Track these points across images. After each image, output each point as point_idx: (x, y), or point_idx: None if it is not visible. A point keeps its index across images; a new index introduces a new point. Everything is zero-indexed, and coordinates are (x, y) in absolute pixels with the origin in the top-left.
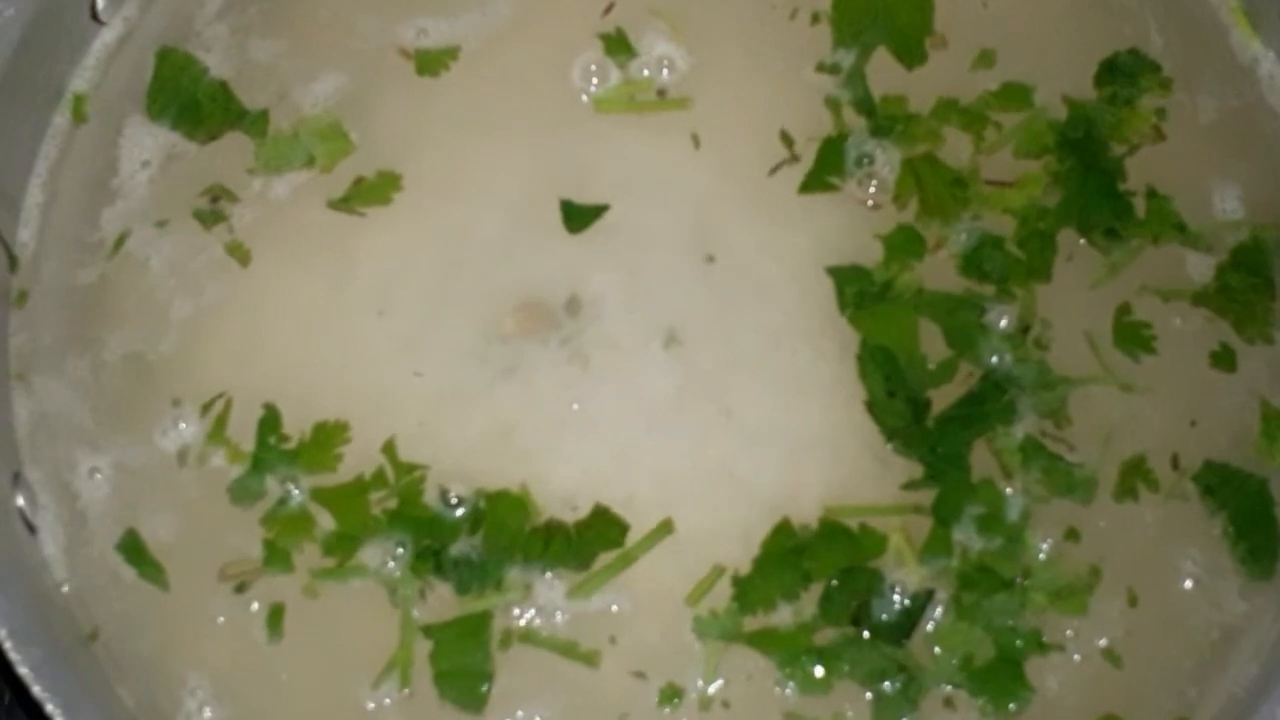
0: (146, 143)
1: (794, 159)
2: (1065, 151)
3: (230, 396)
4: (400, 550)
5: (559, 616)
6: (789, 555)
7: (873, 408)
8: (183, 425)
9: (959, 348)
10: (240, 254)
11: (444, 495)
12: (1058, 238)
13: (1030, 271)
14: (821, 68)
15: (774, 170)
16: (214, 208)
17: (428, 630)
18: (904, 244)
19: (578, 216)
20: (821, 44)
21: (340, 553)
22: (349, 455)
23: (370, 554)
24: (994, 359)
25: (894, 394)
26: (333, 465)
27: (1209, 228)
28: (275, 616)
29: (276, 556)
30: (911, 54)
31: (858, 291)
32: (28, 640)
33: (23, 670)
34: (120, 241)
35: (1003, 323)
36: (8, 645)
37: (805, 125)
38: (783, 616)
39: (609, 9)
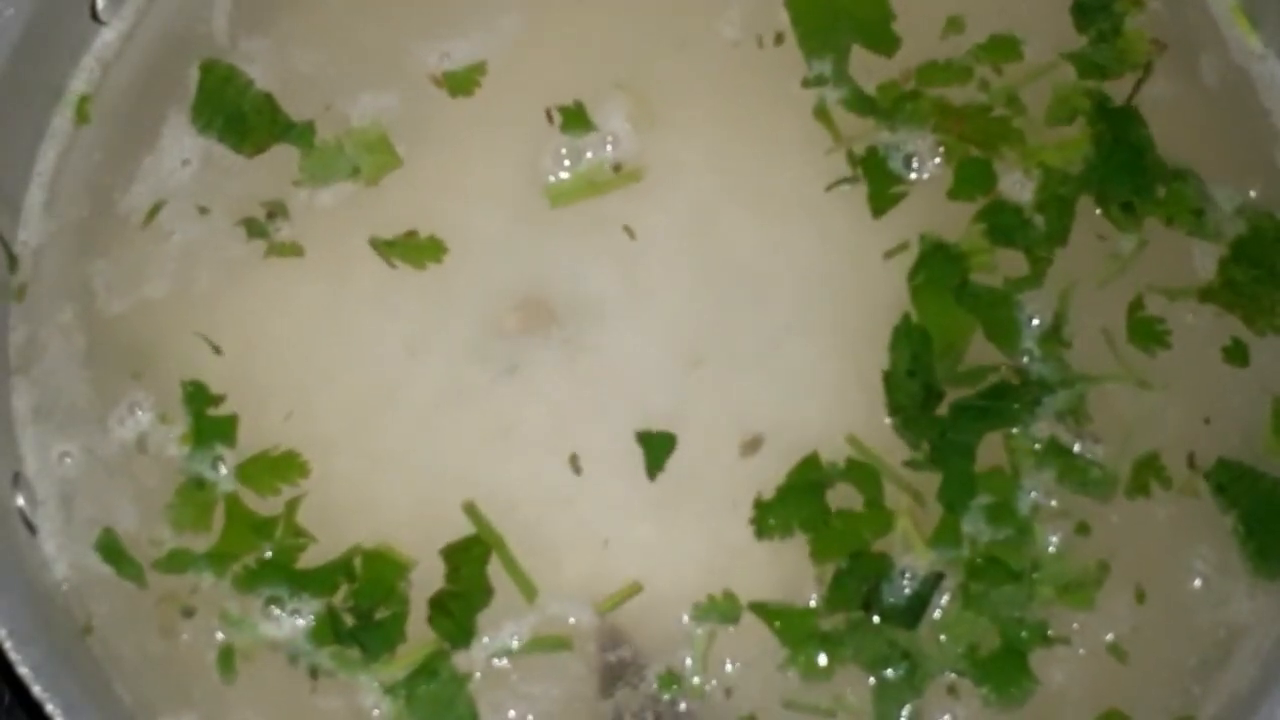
0: (186, 142)
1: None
2: (1097, 116)
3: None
4: (292, 616)
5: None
6: (812, 488)
7: (888, 379)
8: (139, 414)
9: (998, 342)
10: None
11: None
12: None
13: (1049, 237)
14: (807, 82)
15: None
16: (267, 222)
17: (392, 689)
18: (973, 176)
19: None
20: (800, 60)
21: (211, 567)
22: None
23: (272, 626)
24: (1024, 358)
25: (914, 374)
26: (266, 492)
27: (1212, 216)
28: (226, 659)
29: (176, 559)
30: (884, 41)
31: (936, 271)
32: (28, 640)
33: (23, 670)
34: (154, 211)
35: (1034, 321)
36: (8, 645)
37: (808, 139)
38: (790, 597)
39: (550, 116)
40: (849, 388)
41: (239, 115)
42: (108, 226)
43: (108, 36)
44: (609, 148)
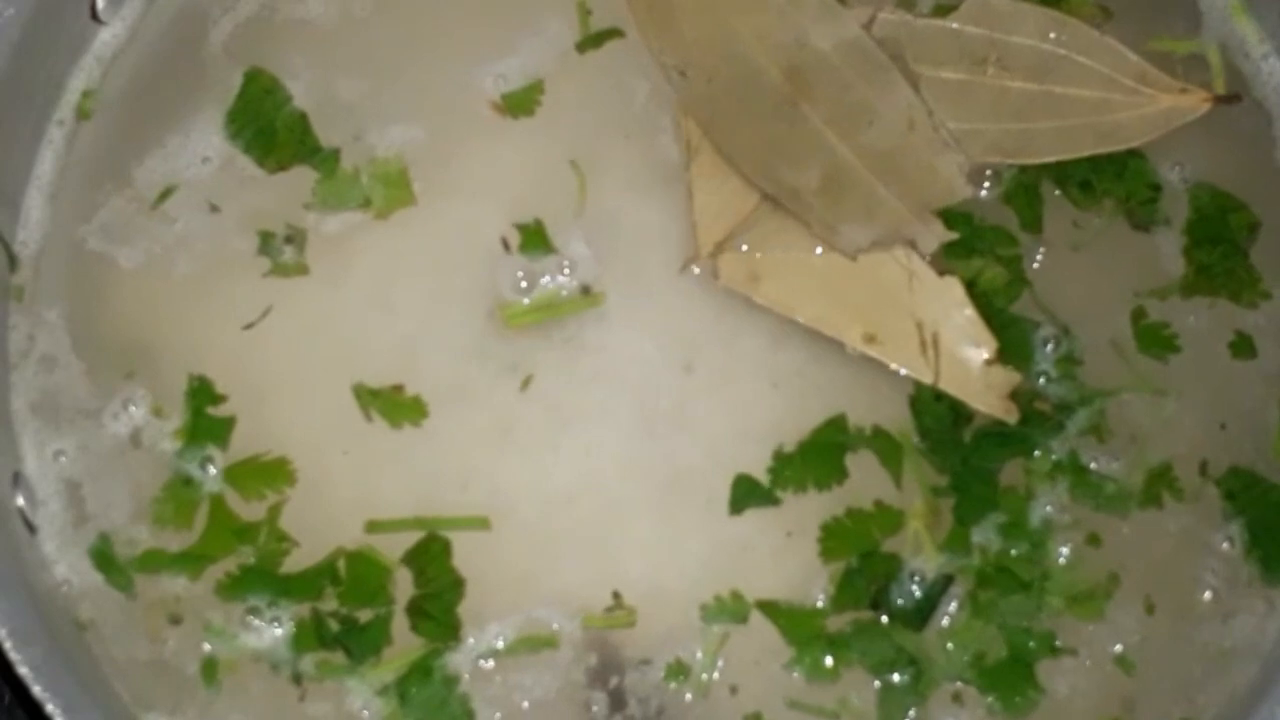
0: (213, 141)
1: None
2: None
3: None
4: (271, 624)
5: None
6: (834, 449)
7: (915, 404)
8: (132, 409)
9: (1014, 363)
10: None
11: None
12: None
13: (1023, 225)
14: None
15: None
16: (283, 244)
17: (383, 691)
18: None
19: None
20: None
21: (187, 569)
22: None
23: (251, 637)
24: (1040, 380)
25: (940, 398)
26: (252, 496)
27: (1166, 197)
28: (209, 669)
29: (150, 559)
30: None
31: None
32: (28, 640)
33: (23, 670)
34: (165, 194)
35: (1049, 347)
36: (8, 645)
37: None
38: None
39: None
40: (850, 387)
41: (270, 130)
42: (109, 222)
43: (107, 36)
44: (566, 272)
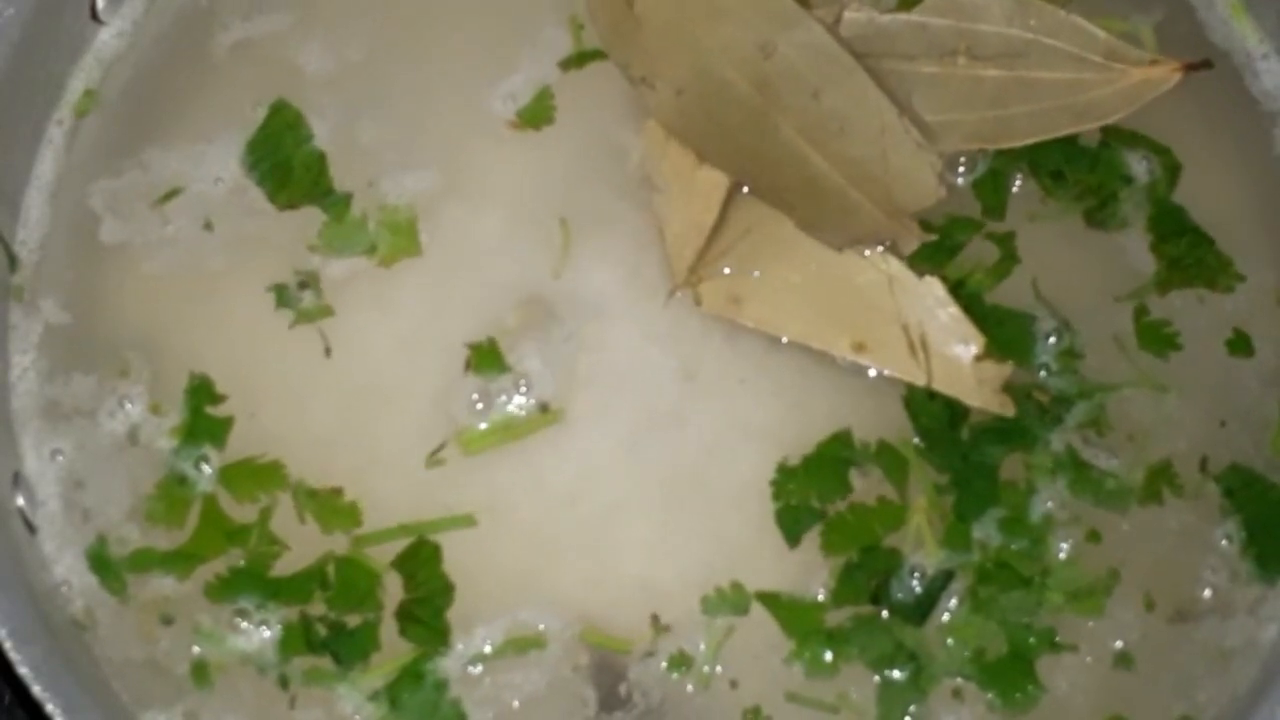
0: (231, 166)
1: None
2: None
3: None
4: (259, 627)
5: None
6: (838, 463)
7: (909, 404)
8: (128, 406)
9: (1013, 358)
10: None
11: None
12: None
13: (986, 211)
14: None
15: None
16: (297, 293)
17: (375, 696)
18: None
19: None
20: None
21: (176, 569)
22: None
23: (240, 640)
24: (1041, 373)
25: (934, 396)
26: (245, 499)
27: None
28: (200, 671)
29: (139, 559)
30: None
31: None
32: (28, 640)
33: (23, 670)
34: (169, 196)
35: (1051, 340)
36: (8, 645)
37: None
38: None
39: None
40: (850, 385)
41: (287, 166)
42: (115, 190)
43: (107, 36)
44: (523, 390)
